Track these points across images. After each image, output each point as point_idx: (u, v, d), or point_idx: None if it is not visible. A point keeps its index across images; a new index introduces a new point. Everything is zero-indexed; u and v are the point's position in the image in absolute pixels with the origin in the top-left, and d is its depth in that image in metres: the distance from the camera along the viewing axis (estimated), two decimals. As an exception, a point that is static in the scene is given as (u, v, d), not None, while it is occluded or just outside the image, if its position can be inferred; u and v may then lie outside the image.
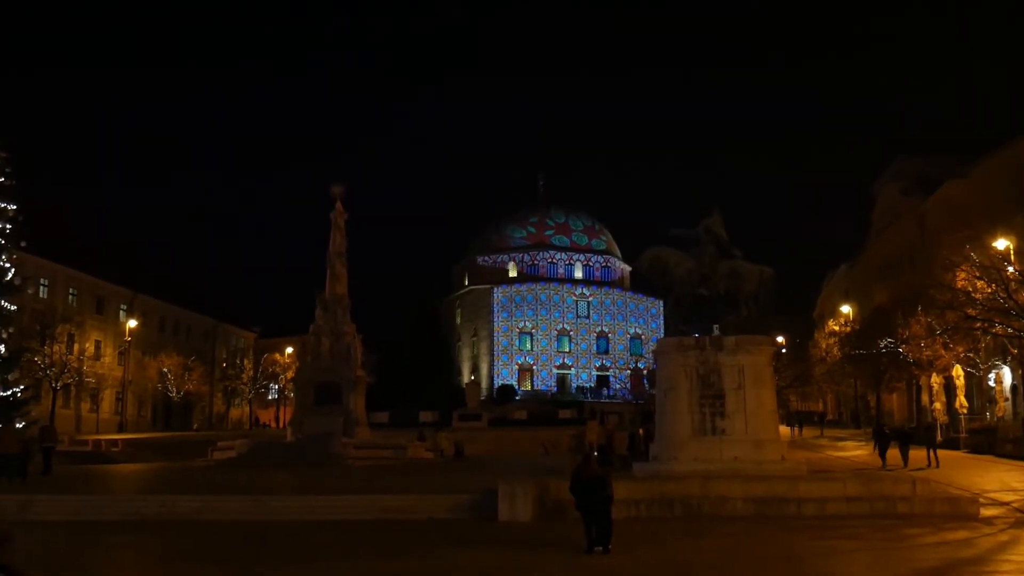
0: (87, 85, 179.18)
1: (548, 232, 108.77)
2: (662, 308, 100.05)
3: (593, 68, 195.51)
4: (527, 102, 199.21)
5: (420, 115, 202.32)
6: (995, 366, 44.81)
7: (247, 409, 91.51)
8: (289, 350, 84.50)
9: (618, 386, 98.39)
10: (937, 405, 42.88)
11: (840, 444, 44.29)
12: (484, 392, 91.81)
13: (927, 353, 46.07)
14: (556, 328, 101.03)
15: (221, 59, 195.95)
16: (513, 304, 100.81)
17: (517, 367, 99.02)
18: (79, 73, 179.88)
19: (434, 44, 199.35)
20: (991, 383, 45.69)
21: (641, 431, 40.41)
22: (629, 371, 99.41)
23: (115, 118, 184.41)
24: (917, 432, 35.15)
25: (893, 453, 31.78)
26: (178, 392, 76.36)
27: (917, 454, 31.11)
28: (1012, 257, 36.80)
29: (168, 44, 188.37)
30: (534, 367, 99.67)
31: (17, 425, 40.41)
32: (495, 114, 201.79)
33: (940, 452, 31.42)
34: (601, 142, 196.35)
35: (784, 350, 70.98)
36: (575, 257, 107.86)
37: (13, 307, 45.36)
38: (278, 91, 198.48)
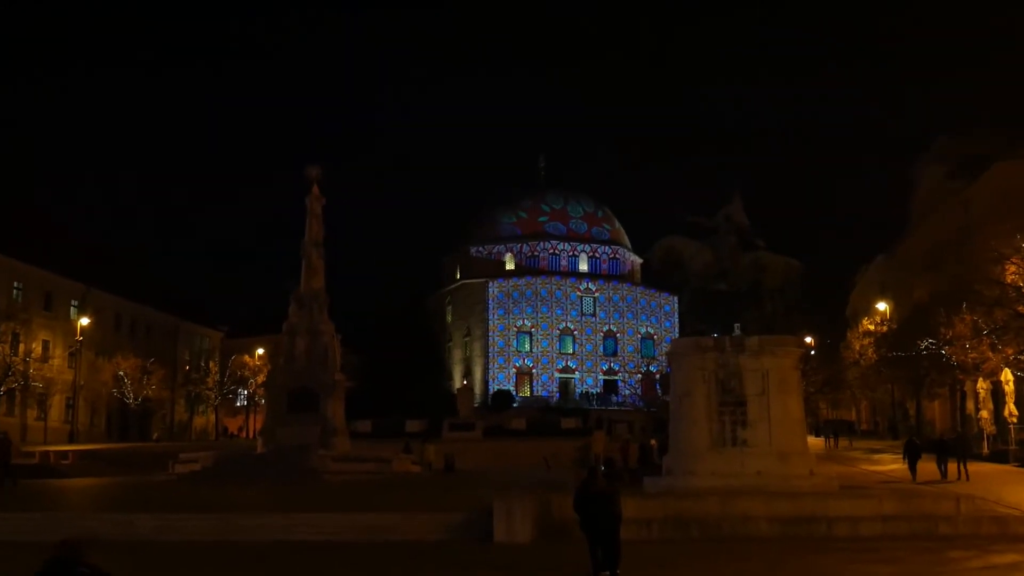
0: (47, 70, 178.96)
1: (542, 219, 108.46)
2: (677, 305, 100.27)
3: (603, 50, 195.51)
4: (528, 79, 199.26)
5: (406, 94, 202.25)
6: (1049, 370, 44.84)
7: (212, 417, 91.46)
8: (260, 351, 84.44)
9: (628, 392, 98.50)
10: (984, 413, 42.90)
11: (876, 457, 44.35)
12: (478, 398, 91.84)
13: (973, 355, 46.05)
14: (558, 327, 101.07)
15: (187, 43, 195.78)
16: (510, 300, 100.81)
17: (515, 370, 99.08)
18: (44, 58, 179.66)
19: (424, 25, 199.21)
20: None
21: (653, 442, 40.58)
22: (640, 375, 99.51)
23: (71, 105, 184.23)
24: (961, 442, 35.25)
25: (930, 467, 31.92)
26: (136, 398, 76.26)
27: (973, 468, 31.22)
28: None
29: (130, 37, 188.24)
30: (534, 370, 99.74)
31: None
32: (493, 91, 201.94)
33: (988, 466, 31.54)
34: (610, 124, 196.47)
35: (813, 352, 71.02)
36: (579, 248, 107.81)
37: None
38: (251, 70, 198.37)
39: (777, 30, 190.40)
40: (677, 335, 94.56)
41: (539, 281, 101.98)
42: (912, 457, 32.56)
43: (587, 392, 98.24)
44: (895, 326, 62.04)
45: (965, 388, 53.47)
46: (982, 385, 44.12)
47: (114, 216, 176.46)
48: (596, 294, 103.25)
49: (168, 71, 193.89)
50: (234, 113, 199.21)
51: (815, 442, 52.00)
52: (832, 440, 55.47)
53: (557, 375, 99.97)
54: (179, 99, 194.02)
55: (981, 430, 42.66)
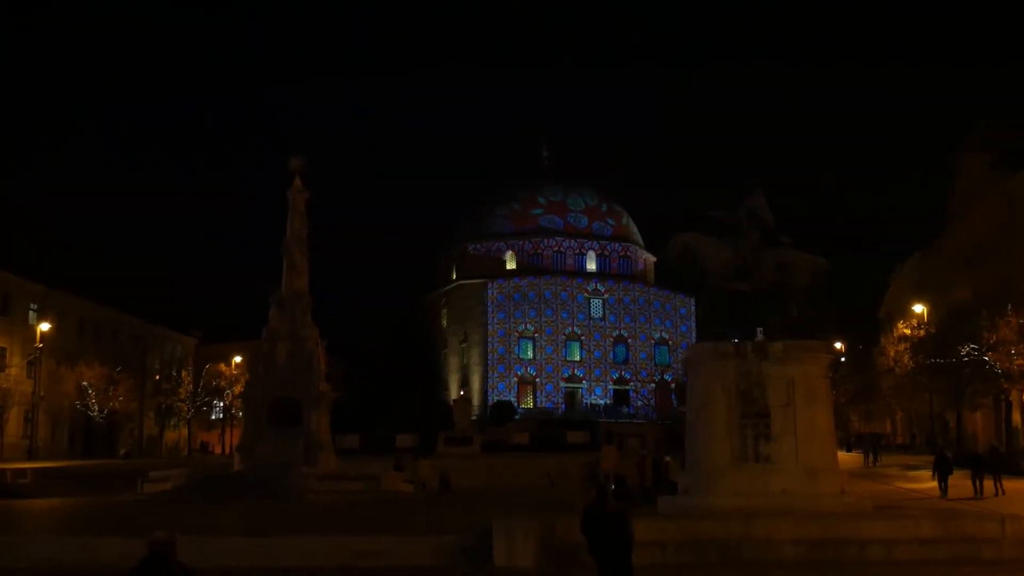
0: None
1: (536, 210, 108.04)
2: (694, 307, 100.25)
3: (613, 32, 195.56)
4: (534, 63, 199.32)
5: (397, 78, 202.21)
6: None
7: (185, 431, 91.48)
8: (237, 359, 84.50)
9: (640, 403, 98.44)
10: (1031, 425, 42.93)
11: (912, 474, 44.37)
12: (476, 410, 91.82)
13: (1019, 362, 46.04)
14: (564, 332, 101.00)
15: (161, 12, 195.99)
16: (511, 302, 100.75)
17: (516, 379, 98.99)
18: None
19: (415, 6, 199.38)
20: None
21: (669, 458, 40.61)
22: (653, 384, 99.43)
23: (36, 92, 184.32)
24: (996, 456, 35.65)
25: (966, 483, 32.21)
26: (101, 411, 76.27)
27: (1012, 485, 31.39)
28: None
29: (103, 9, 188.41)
30: (537, 380, 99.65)
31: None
32: (494, 74, 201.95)
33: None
34: (623, 114, 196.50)
35: (843, 358, 70.96)
36: (587, 246, 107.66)
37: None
38: (228, 44, 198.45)
39: (794, 16, 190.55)
40: (694, 340, 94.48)
41: (543, 282, 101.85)
42: (943, 472, 33.11)
43: (595, 403, 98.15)
44: (933, 330, 62.01)
45: (1011, 398, 53.43)
46: (1029, 395, 44.15)
47: (78, 210, 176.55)
48: (605, 296, 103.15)
49: (141, 44, 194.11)
50: (211, 97, 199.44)
51: (847, 457, 51.95)
52: (871, 456, 54.86)
53: (563, 384, 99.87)
54: (150, 78, 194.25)
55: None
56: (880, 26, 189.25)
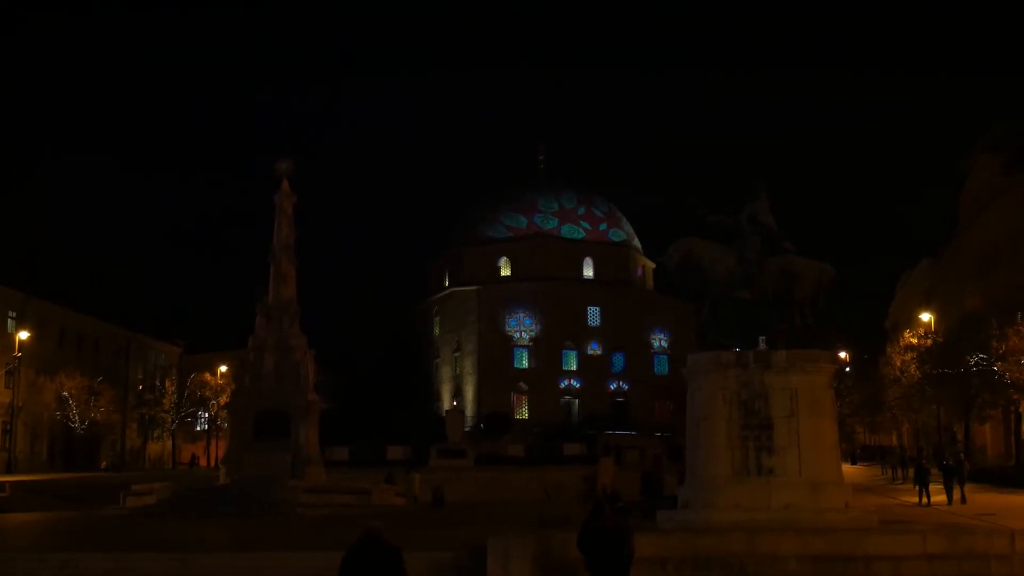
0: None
1: (532, 216, 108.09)
2: (695, 315, 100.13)
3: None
4: (530, 67, 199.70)
5: (389, 79, 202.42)
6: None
7: (169, 443, 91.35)
8: (223, 369, 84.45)
9: (639, 414, 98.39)
10: (1042, 438, 43.04)
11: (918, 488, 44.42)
12: (469, 422, 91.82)
13: (1029, 372, 46.12)
14: (560, 340, 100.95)
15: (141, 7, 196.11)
16: (505, 310, 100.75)
17: (511, 390, 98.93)
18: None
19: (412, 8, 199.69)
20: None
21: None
22: (652, 395, 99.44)
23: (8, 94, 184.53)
24: (959, 466, 37.87)
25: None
26: (82, 422, 76.13)
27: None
28: None
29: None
30: (532, 390, 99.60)
31: None
32: (492, 76, 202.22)
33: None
34: (628, 118, 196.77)
35: (848, 368, 71.04)
36: (584, 251, 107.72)
37: None
38: (214, 42, 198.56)
39: (802, 17, 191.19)
40: (694, 350, 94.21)
41: (538, 288, 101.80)
42: (922, 482, 36.41)
43: (592, 414, 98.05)
44: (941, 339, 62.06)
45: (1020, 409, 53.47)
46: (1039, 406, 44.29)
47: (58, 215, 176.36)
48: (603, 303, 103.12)
49: (129, 45, 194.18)
50: (199, 100, 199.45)
51: (853, 471, 51.88)
52: (899, 470, 54.17)
53: (559, 395, 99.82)
54: (136, 83, 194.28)
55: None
56: (887, 30, 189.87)
